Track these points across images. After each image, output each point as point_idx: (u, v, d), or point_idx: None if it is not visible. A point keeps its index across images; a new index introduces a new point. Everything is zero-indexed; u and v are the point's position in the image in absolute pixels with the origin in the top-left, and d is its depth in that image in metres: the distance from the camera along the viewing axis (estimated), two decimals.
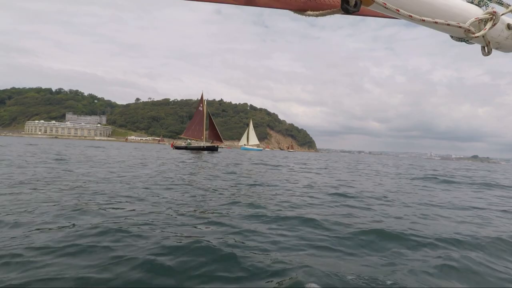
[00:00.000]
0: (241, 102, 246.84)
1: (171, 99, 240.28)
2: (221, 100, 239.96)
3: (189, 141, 47.09)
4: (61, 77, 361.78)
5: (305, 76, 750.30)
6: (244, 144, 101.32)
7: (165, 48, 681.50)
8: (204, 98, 50.75)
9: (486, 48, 0.97)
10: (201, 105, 48.26)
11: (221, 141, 49.52)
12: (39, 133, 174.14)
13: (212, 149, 45.12)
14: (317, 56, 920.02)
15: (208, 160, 21.28)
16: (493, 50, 0.99)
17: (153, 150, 39.81)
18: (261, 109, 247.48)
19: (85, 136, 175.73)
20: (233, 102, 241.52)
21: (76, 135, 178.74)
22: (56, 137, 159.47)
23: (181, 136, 51.13)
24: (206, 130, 48.03)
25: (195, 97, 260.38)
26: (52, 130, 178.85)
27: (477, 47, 0.91)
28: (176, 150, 43.70)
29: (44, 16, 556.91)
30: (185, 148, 46.01)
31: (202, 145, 45.77)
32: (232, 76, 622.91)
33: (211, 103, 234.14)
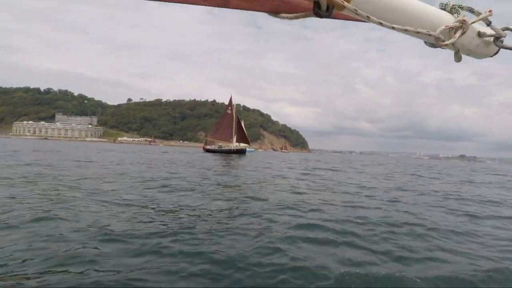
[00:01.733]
0: (235, 103, 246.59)
1: (164, 99, 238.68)
2: (214, 101, 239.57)
3: (220, 144, 47.75)
4: (50, 76, 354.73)
5: (298, 77, 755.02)
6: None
7: (157, 48, 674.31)
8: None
9: (456, 55, 0.99)
10: (230, 108, 48.75)
11: (248, 143, 50.24)
12: (28, 134, 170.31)
13: (241, 152, 45.90)
14: (310, 57, 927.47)
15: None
16: (467, 56, 1.00)
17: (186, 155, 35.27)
18: (254, 110, 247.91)
19: (75, 137, 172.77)
20: (226, 103, 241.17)
21: (66, 136, 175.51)
22: (46, 138, 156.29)
23: (209, 138, 51.68)
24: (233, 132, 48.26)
25: (188, 97, 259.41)
26: (41, 131, 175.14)
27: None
28: (209, 153, 43.98)
29: (35, 14, 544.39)
30: (215, 151, 46.52)
31: (232, 148, 46.42)
32: (224, 77, 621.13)
33: (203, 104, 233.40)
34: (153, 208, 5.90)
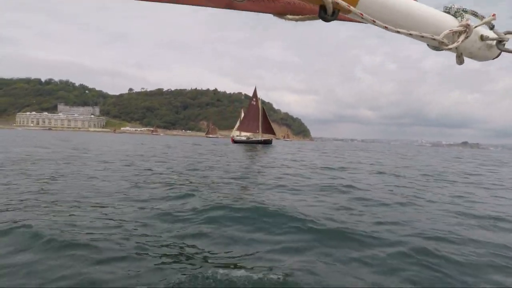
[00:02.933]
0: (235, 92, 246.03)
1: (164, 89, 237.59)
2: (216, 89, 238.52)
3: (249, 135, 49.00)
4: (48, 67, 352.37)
5: (296, 65, 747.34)
6: (237, 135, 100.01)
7: (153, 38, 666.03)
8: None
9: (459, 58, 1.00)
10: (254, 100, 49.59)
11: (274, 134, 51.08)
12: (32, 125, 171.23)
13: (267, 143, 46.94)
14: (308, 45, 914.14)
15: None
16: (468, 58, 1.02)
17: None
18: None
19: (79, 128, 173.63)
20: (227, 92, 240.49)
21: (69, 126, 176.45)
22: (50, 129, 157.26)
23: (236, 130, 52.84)
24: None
25: (188, 86, 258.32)
26: (44, 122, 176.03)
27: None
28: (236, 144, 45.29)
29: (28, 4, 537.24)
30: (243, 142, 47.73)
31: (260, 138, 47.56)
32: (222, 65, 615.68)
33: (205, 92, 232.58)
34: None
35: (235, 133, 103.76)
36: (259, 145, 43.29)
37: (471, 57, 1.01)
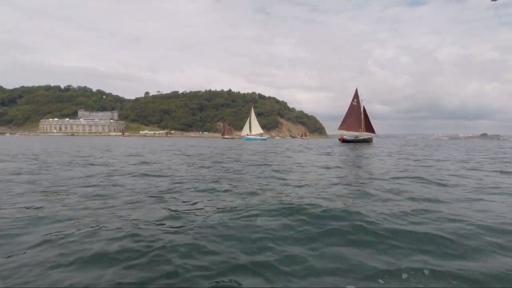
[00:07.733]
0: (249, 92, 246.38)
1: (175, 91, 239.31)
2: (230, 90, 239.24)
3: (357, 134, 51.73)
4: (65, 73, 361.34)
5: (308, 62, 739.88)
6: (247, 134, 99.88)
7: (164, 40, 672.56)
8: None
9: None
10: (355, 100, 52.11)
11: (374, 132, 53.33)
12: (55, 131, 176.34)
13: (369, 141, 49.98)
14: (320, 41, 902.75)
15: None
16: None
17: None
18: (270, 98, 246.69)
19: (100, 132, 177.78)
20: (241, 92, 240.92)
21: (90, 131, 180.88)
22: (72, 134, 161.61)
23: (338, 129, 55.47)
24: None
25: (201, 87, 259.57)
26: (67, 128, 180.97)
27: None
28: (346, 143, 47.20)
29: (43, 12, 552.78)
30: (351, 141, 50.17)
31: (365, 137, 49.96)
32: (234, 65, 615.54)
33: (219, 93, 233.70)
34: None
35: (244, 132, 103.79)
36: (364, 143, 46.01)
37: None
